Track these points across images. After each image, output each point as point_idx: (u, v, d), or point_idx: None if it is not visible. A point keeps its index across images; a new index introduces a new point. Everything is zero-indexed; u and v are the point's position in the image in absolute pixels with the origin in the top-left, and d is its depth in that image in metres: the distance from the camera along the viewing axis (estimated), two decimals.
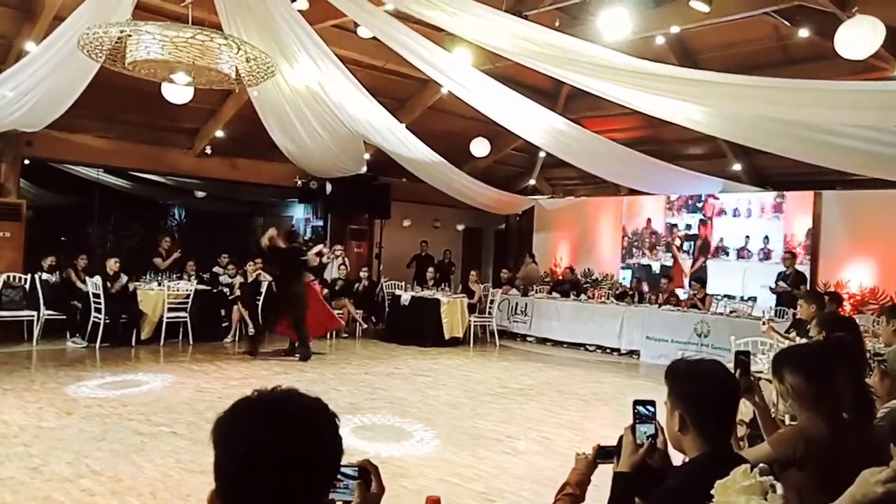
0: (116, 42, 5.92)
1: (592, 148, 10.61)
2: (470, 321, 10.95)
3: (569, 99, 11.33)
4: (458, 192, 12.38)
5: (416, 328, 10.58)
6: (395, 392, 7.12)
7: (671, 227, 12.45)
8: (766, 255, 11.12)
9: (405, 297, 11.01)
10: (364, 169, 12.04)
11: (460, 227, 15.34)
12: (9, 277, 8.95)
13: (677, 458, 1.89)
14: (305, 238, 13.16)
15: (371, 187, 12.53)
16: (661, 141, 11.59)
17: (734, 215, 11.70)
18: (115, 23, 5.92)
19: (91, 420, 5.52)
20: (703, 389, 1.78)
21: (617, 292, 11.74)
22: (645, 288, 11.68)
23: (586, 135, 10.27)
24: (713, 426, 1.76)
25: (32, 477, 4.17)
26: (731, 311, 9.69)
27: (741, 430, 2.67)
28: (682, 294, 11.22)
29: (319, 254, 9.64)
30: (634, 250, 12.91)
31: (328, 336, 10.53)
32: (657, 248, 12.61)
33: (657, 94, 7.14)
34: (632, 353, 10.31)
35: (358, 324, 11.28)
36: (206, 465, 0.99)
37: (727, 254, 11.71)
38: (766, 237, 11.24)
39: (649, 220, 12.80)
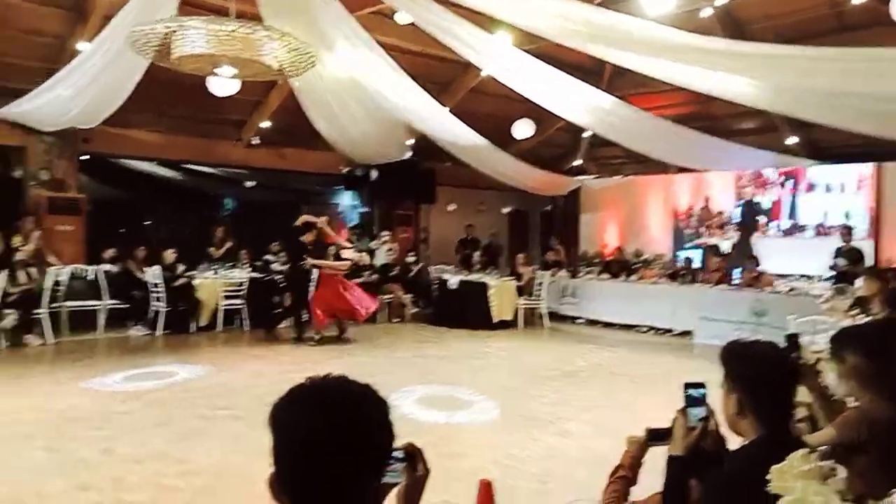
0: (164, 38, 6.06)
1: (638, 126, 10.41)
2: (519, 304, 10.94)
3: (613, 76, 11.10)
4: (503, 175, 12.32)
5: (464, 312, 10.64)
6: (447, 375, 7.19)
7: (739, 205, 12.10)
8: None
9: (453, 281, 11.06)
10: (408, 154, 12.08)
11: (505, 210, 15.27)
12: (75, 270, 9.33)
13: (734, 442, 1.87)
14: (352, 226, 13.34)
15: (416, 172, 12.58)
16: (711, 117, 11.27)
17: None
18: (161, 19, 6.07)
19: (155, 405, 5.75)
20: (758, 372, 1.75)
21: (669, 272, 11.51)
22: (713, 266, 11.28)
23: (632, 111, 10.06)
24: (769, 409, 1.74)
25: (105, 458, 4.39)
26: (789, 290, 9.39)
27: (802, 412, 2.61)
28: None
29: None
30: (702, 229, 12.60)
31: (376, 320, 10.68)
32: (726, 226, 12.29)
33: (705, 68, 6.96)
34: (685, 333, 10.14)
35: (407, 308, 11.39)
36: (265, 448, 1.04)
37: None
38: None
39: (708, 199, 12.51)
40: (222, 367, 7.38)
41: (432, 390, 6.44)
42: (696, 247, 12.50)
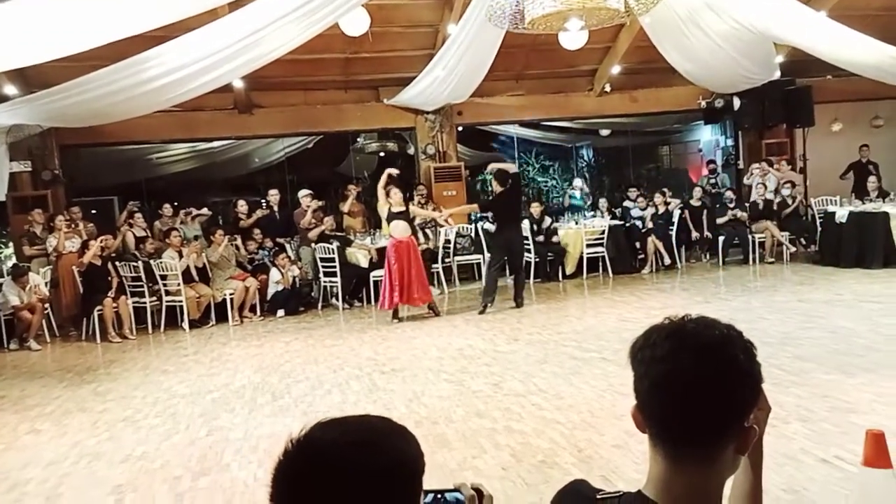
0: (516, 6, 6.47)
1: None
2: None
3: None
4: None
5: (858, 248, 9.17)
6: (835, 320, 6.35)
7: None
8: None
9: (841, 214, 9.59)
10: (777, 74, 10.75)
11: None
12: (460, 228, 10.72)
13: None
14: (708, 161, 12.49)
15: (787, 93, 11.12)
16: None
17: None
18: None
19: (533, 346, 6.34)
20: None
21: None
22: None
23: None
24: None
25: (495, 391, 5.04)
26: None
27: None
28: None
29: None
30: None
31: (751, 262, 9.92)
32: None
33: None
34: None
35: (784, 248, 10.29)
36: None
37: None
38: None
39: None
40: (588, 311, 7.73)
41: (816, 338, 5.77)
42: None
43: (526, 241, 10.00)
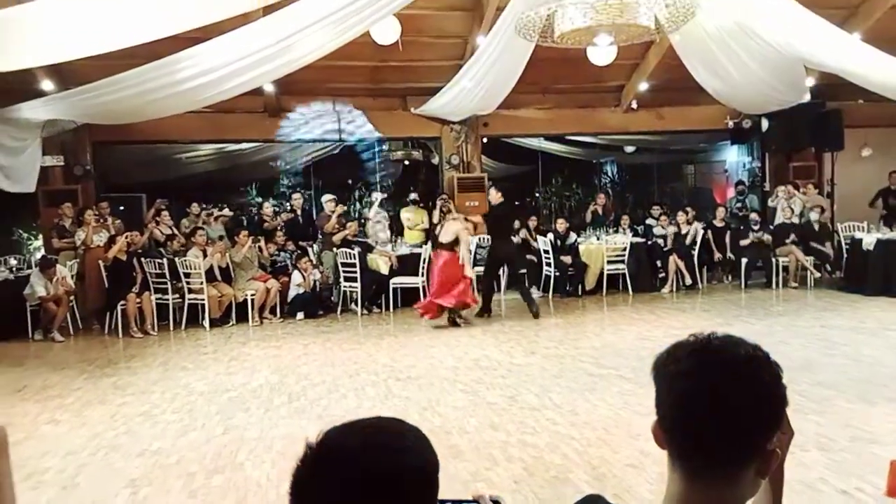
0: (546, 19, 6.49)
1: None
2: None
3: None
4: None
5: (885, 276, 9.01)
6: (859, 348, 6.24)
7: None
8: None
9: (868, 241, 9.44)
10: (807, 97, 10.63)
11: None
12: (481, 239, 10.71)
13: None
14: (736, 182, 12.39)
15: (817, 116, 10.98)
16: None
17: None
18: (543, 2, 6.48)
19: (550, 360, 6.32)
20: None
21: None
22: None
23: None
24: None
25: (510, 404, 5.02)
26: None
27: None
28: None
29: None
30: None
31: (774, 286, 9.80)
32: None
33: None
34: None
35: (809, 273, 10.14)
36: (651, 407, 1.07)
37: None
38: None
39: None
40: (608, 328, 7.68)
41: (838, 365, 5.67)
42: None
43: (546, 256, 10.00)
